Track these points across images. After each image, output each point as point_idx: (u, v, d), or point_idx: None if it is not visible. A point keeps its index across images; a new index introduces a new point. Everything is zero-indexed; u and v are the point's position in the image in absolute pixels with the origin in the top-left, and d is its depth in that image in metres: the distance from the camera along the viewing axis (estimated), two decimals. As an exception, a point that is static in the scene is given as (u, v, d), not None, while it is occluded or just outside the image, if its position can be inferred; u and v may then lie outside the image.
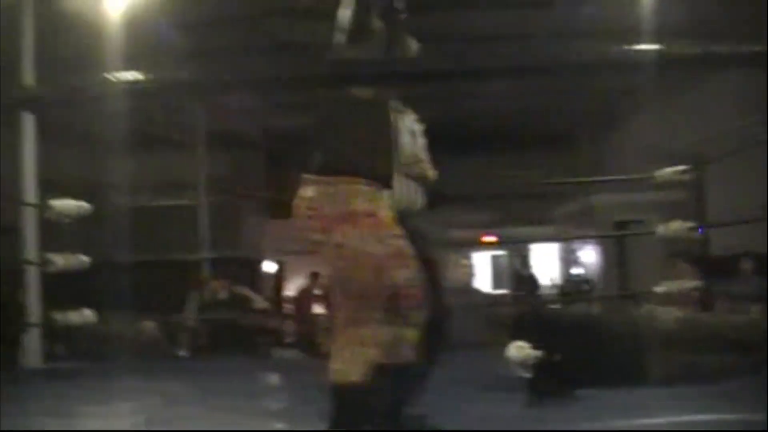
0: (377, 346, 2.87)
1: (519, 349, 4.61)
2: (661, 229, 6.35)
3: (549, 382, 4.41)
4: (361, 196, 2.94)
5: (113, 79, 1.59)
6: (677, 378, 4.62)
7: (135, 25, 8.85)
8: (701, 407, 3.94)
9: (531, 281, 16.58)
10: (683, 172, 6.30)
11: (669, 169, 6.33)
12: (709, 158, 6.67)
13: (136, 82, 1.52)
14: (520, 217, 19.52)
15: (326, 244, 2.94)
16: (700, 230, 8.62)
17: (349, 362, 2.86)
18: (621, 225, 14.79)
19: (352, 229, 2.91)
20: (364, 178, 2.96)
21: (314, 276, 13.41)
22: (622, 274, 14.85)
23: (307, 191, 2.98)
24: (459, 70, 1.66)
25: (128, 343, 9.29)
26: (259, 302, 10.34)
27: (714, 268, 7.36)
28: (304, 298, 13.63)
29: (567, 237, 17.86)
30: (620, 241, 15.31)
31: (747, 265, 8.29)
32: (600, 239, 15.42)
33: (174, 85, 1.62)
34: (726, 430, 3.47)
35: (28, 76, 7.82)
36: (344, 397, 2.88)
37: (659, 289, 6.49)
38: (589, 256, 16.53)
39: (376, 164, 3.03)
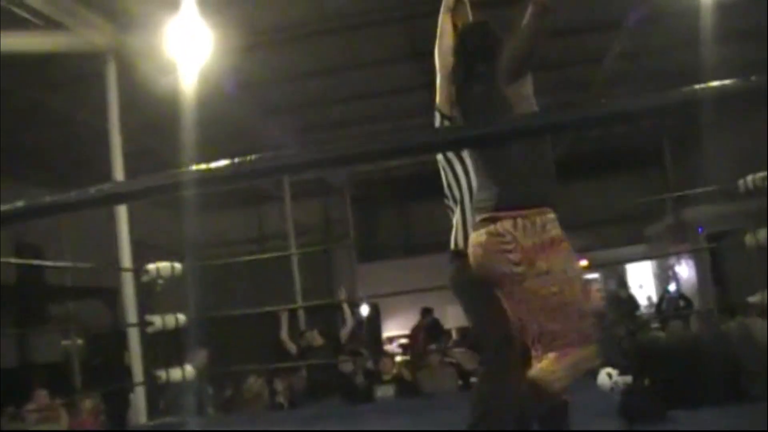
0: (590, 360, 3.10)
1: (608, 376, 4.63)
2: (749, 238, 6.29)
3: (640, 404, 4.38)
4: (551, 223, 3.16)
5: (198, 171, 1.67)
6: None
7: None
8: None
9: (630, 302, 16.31)
10: (764, 178, 6.24)
11: (750, 177, 6.28)
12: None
13: (220, 170, 1.61)
14: (613, 239, 19.37)
15: (529, 275, 3.04)
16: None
17: (567, 379, 2.99)
18: (715, 237, 14.51)
19: (555, 256, 3.08)
20: (551, 206, 3.21)
21: (427, 311, 13.69)
22: (720, 288, 14.53)
23: (500, 227, 3.08)
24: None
25: (232, 397, 9.52)
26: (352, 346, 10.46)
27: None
28: (418, 333, 13.73)
29: (661, 254, 17.51)
30: (715, 253, 15.00)
31: None
32: (694, 254, 15.11)
33: (259, 171, 1.68)
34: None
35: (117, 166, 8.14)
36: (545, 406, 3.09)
37: (753, 299, 6.41)
38: (684, 271, 16.20)
39: (554, 192, 3.31)
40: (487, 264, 3.12)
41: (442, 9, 3.66)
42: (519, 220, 3.08)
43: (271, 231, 17.44)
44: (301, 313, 12.61)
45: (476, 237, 3.17)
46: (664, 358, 4.64)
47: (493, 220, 3.10)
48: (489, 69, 3.20)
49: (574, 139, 16.49)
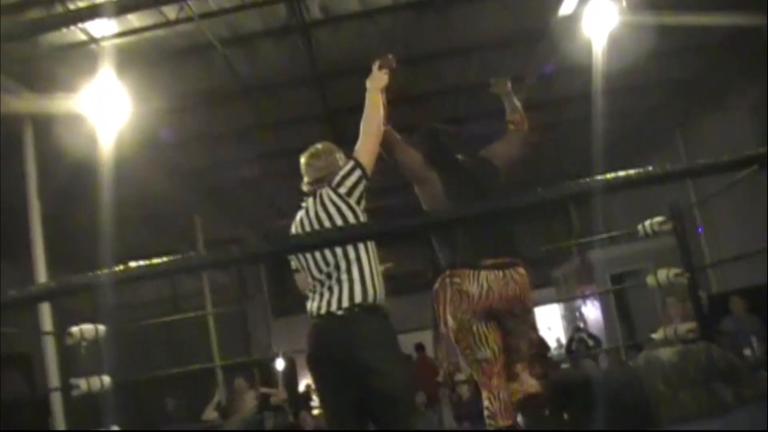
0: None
1: None
2: (650, 278, 6.68)
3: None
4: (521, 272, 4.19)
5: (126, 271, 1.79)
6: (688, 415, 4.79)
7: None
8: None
9: (541, 344, 16.69)
10: (662, 222, 6.65)
11: (648, 222, 6.69)
12: (682, 208, 6.96)
13: (150, 268, 1.74)
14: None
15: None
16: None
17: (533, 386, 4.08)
18: (617, 278, 15.07)
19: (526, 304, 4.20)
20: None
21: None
22: (625, 326, 15.06)
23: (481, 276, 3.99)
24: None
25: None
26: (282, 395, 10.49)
27: (707, 308, 7.58)
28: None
29: (568, 296, 18.03)
30: (620, 294, 15.55)
31: (739, 304, 8.53)
32: (600, 295, 15.64)
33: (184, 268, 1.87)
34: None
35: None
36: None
37: (656, 335, 6.80)
38: (590, 312, 16.72)
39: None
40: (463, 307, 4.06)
41: (376, 86, 3.97)
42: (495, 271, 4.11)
43: (185, 290, 17.36)
44: (219, 372, 12.59)
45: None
46: (579, 393, 4.87)
47: (478, 269, 4.09)
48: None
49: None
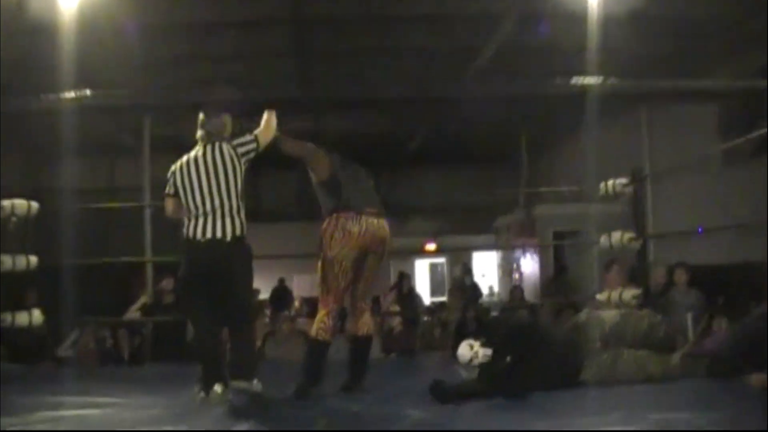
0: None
1: (469, 347, 4.76)
2: (604, 239, 6.60)
3: (499, 384, 4.52)
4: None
5: (71, 97, 1.63)
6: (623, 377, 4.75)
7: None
8: (652, 405, 4.10)
9: (474, 289, 16.76)
10: (625, 185, 6.55)
11: (612, 181, 6.58)
12: (647, 174, 6.88)
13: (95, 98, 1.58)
14: (463, 227, 19.88)
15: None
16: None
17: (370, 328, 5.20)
18: (559, 235, 15.09)
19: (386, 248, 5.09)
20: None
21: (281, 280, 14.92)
22: (560, 284, 15.13)
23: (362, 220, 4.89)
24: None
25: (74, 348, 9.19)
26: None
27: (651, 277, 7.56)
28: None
29: (508, 246, 18.08)
30: (559, 251, 15.60)
31: (682, 276, 8.52)
32: (539, 249, 15.68)
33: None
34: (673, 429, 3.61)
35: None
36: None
37: (601, 296, 6.75)
38: (528, 265, 16.79)
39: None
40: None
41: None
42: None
43: (124, 184, 16.93)
44: (149, 269, 12.28)
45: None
46: (527, 339, 4.76)
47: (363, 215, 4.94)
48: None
49: (433, 129, 16.77)
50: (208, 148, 4.95)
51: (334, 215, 4.89)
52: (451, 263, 20.45)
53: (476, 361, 4.77)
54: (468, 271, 17.72)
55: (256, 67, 12.51)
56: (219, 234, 4.72)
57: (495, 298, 18.55)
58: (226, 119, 5.14)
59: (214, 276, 4.71)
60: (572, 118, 15.97)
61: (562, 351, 4.82)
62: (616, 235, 6.49)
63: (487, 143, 18.49)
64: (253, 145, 4.96)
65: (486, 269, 20.10)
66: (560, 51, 11.37)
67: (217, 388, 4.62)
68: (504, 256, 19.12)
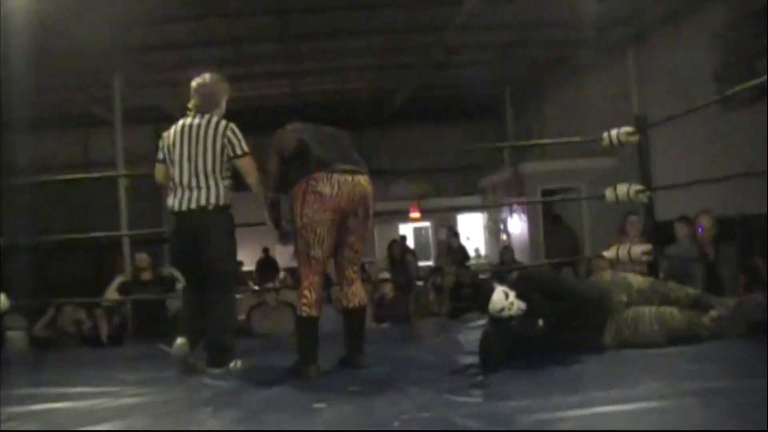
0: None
1: (504, 296, 4.23)
2: (609, 192, 6.19)
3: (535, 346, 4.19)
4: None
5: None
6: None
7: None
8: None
9: (460, 251, 16.45)
10: (630, 133, 6.14)
11: (616, 131, 6.16)
12: (652, 122, 6.46)
13: None
14: (449, 188, 19.53)
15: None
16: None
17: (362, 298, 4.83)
18: (548, 193, 14.75)
19: (368, 208, 4.63)
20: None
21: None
22: (560, 230, 14.84)
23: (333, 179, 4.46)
24: None
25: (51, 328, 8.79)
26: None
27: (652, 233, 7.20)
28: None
29: (497, 204, 17.72)
30: (550, 209, 15.27)
31: (683, 230, 8.20)
32: (528, 208, 15.32)
33: None
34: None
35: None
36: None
37: (608, 253, 6.35)
38: (516, 226, 16.43)
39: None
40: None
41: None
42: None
43: (98, 157, 16.45)
44: (126, 243, 11.85)
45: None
46: (566, 299, 4.35)
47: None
48: None
49: (416, 85, 16.39)
50: (197, 117, 4.94)
51: (304, 179, 4.50)
52: (437, 226, 20.09)
53: (507, 313, 4.22)
54: (455, 234, 17.41)
55: (235, 24, 12.04)
56: (202, 202, 4.79)
57: (483, 260, 18.20)
58: (219, 87, 5.08)
59: (196, 246, 4.78)
60: (557, 69, 15.78)
61: (596, 312, 4.42)
62: (623, 188, 6.07)
63: (471, 99, 18.17)
64: (238, 150, 4.88)
65: (472, 231, 19.73)
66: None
67: (179, 340, 4.78)
68: (490, 217, 18.74)
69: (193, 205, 4.78)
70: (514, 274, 6.31)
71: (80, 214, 12.67)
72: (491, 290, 4.27)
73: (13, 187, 8.01)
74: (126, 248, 11.58)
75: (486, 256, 18.71)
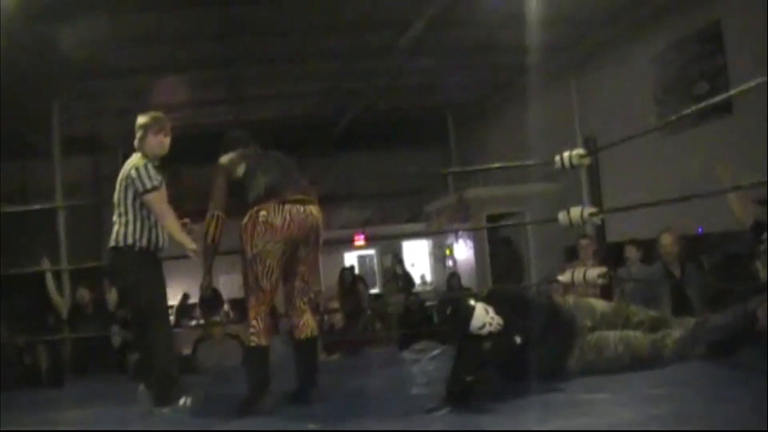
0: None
1: (484, 312, 4.08)
2: (562, 215, 6.13)
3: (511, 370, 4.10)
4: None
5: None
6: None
7: None
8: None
9: (406, 278, 16.37)
10: (582, 156, 6.10)
11: (568, 153, 6.11)
12: (602, 144, 6.44)
13: None
14: (392, 214, 19.42)
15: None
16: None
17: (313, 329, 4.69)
18: (493, 218, 14.76)
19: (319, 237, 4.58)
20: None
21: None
22: (507, 254, 14.84)
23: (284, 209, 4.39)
24: None
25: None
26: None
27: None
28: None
29: (441, 231, 17.64)
30: (493, 235, 15.27)
31: (632, 252, 8.22)
32: (474, 233, 15.29)
33: None
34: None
35: None
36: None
37: (563, 277, 6.28)
38: (462, 252, 16.38)
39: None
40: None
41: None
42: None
43: (36, 188, 16.02)
44: (65, 277, 11.52)
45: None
46: (544, 317, 4.26)
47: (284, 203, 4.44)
48: None
49: (360, 110, 16.34)
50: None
51: (254, 208, 4.41)
52: (381, 254, 19.94)
53: (488, 329, 4.07)
54: (399, 261, 17.32)
55: (178, 50, 11.83)
56: (111, 242, 4.82)
57: (429, 287, 18.09)
58: (139, 123, 4.94)
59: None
60: (501, 94, 15.87)
61: (566, 332, 4.33)
62: (576, 211, 6.01)
63: (415, 124, 18.16)
64: (139, 188, 4.74)
65: (416, 258, 19.62)
66: (491, 24, 11.09)
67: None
68: (436, 243, 18.66)
69: (111, 243, 4.81)
70: (484, 291, 6.17)
71: (19, 245, 12.31)
72: (472, 308, 4.12)
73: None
74: (65, 281, 11.28)
75: (431, 282, 18.61)
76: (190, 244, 4.69)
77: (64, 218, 12.52)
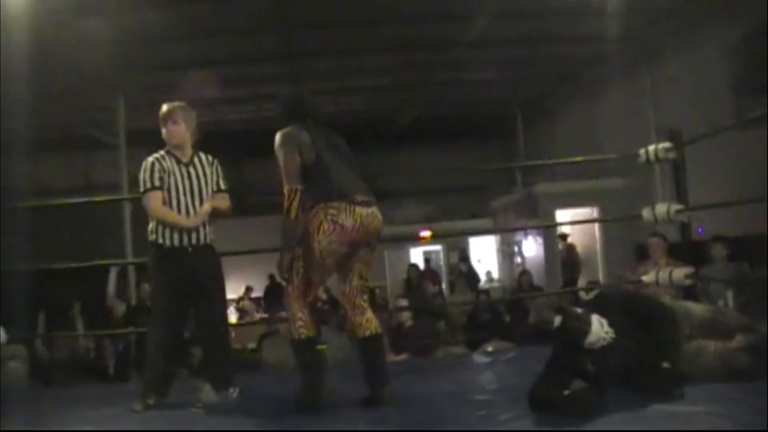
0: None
1: (600, 325, 3.73)
2: (647, 212, 5.82)
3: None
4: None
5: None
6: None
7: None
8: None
9: (471, 275, 16.09)
10: (668, 149, 5.77)
11: (654, 146, 5.80)
12: (688, 139, 6.11)
13: None
14: (459, 210, 19.15)
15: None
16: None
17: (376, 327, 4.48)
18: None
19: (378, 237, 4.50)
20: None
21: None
22: (569, 267, 14.47)
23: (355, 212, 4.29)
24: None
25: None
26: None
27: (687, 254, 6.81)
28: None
29: (512, 228, 17.28)
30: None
31: (719, 251, 7.85)
32: (540, 230, 14.95)
33: None
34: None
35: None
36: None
37: (647, 277, 5.96)
38: (530, 248, 16.03)
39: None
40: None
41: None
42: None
43: (100, 181, 16.11)
44: (131, 271, 11.52)
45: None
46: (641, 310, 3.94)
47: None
48: None
49: (424, 104, 16.12)
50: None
51: (323, 204, 4.30)
52: (448, 250, 19.65)
53: (601, 344, 3.74)
54: (464, 258, 17.05)
55: (237, 44, 11.74)
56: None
57: (496, 284, 17.75)
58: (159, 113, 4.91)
59: None
60: (569, 87, 15.48)
61: (671, 331, 3.96)
62: (661, 207, 5.69)
63: (481, 118, 17.87)
64: (140, 186, 4.77)
65: (483, 254, 19.31)
66: (557, 14, 10.79)
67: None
68: (504, 240, 18.31)
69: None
70: (591, 295, 5.84)
71: (83, 239, 12.34)
72: (589, 323, 3.76)
73: (12, 212, 7.66)
74: (131, 275, 11.28)
75: (499, 280, 18.27)
76: (184, 221, 4.66)
77: (130, 211, 12.50)
